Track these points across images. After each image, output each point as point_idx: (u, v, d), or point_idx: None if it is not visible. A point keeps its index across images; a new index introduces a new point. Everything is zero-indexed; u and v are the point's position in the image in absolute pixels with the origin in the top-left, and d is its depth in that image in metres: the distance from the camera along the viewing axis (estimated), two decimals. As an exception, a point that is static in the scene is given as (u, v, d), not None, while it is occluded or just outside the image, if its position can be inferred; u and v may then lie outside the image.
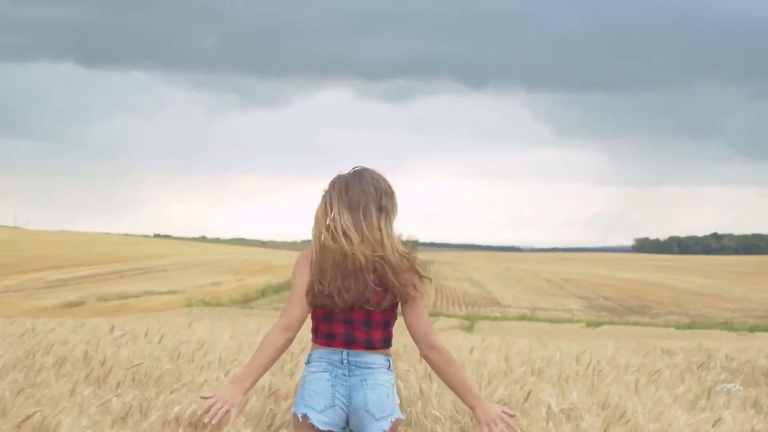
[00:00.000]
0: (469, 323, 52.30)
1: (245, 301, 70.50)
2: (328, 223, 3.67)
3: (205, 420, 3.60)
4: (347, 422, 3.73)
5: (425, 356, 3.79)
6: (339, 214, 3.67)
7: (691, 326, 57.61)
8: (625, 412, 4.09)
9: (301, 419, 3.68)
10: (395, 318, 3.81)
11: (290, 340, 3.80)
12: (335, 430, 3.71)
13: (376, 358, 3.74)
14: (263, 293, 79.02)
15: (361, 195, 3.71)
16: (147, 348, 5.78)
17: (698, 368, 7.37)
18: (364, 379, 3.69)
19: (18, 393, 3.72)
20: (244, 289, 79.91)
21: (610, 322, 60.65)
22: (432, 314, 62.25)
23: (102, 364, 4.58)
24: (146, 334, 6.60)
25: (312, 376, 3.73)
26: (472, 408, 3.73)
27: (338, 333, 3.73)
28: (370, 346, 3.73)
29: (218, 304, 61.92)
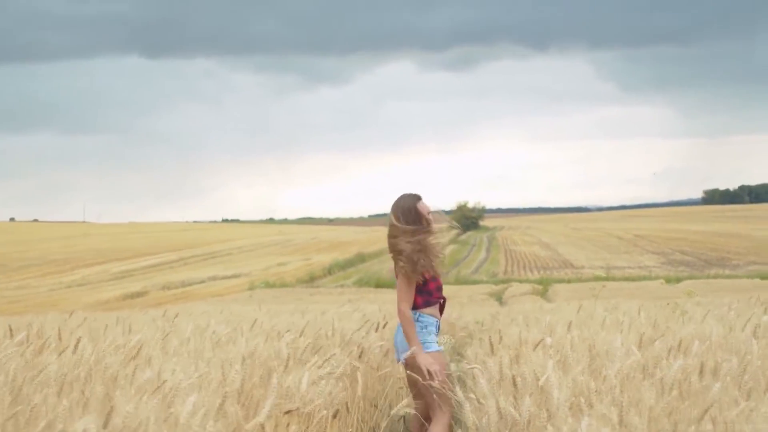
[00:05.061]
0: (543, 287, 50.20)
1: (311, 280, 68.96)
2: None
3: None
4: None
5: None
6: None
7: (776, 275, 54.98)
8: None
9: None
10: (422, 285, 5.82)
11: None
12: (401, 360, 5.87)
13: (410, 312, 5.80)
14: (329, 271, 77.51)
15: (391, 214, 5.90)
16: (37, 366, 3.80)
17: None
18: (398, 327, 5.87)
19: None
20: (310, 268, 78.37)
21: (690, 277, 58.31)
22: (503, 280, 60.47)
23: None
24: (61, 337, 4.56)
25: None
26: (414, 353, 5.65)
27: None
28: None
29: (282, 285, 60.39)
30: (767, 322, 5.29)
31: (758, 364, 3.60)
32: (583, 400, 3.09)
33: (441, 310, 6.02)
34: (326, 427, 4.00)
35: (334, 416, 3.81)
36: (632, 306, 9.59)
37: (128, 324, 6.72)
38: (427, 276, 5.81)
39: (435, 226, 5.91)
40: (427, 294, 5.82)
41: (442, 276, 6.05)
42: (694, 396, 2.92)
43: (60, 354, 4.18)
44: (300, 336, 6.04)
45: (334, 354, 5.41)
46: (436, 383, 5.41)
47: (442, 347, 5.91)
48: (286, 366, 4.23)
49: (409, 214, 5.82)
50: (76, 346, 4.25)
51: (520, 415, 3.12)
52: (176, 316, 7.11)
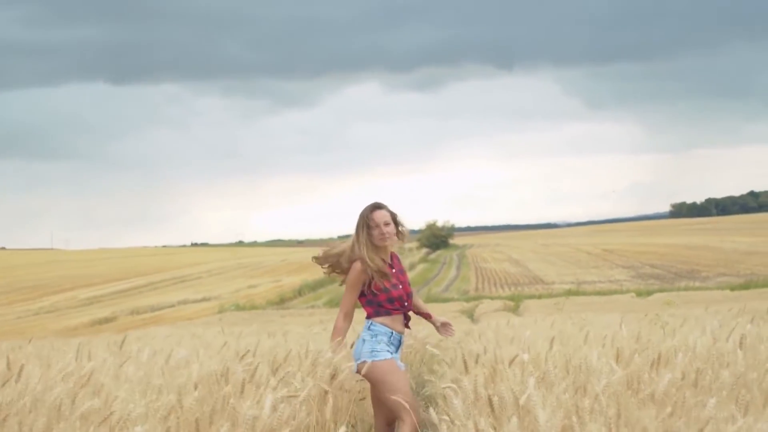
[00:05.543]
0: (515, 303, 50.13)
1: (281, 302, 68.55)
2: None
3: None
4: None
5: None
6: None
7: (746, 286, 55.16)
8: None
9: None
10: (371, 296, 6.01)
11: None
12: None
13: (365, 322, 6.04)
14: (300, 292, 77.08)
15: None
16: None
17: None
18: (358, 339, 6.01)
19: None
20: (281, 290, 78.00)
21: (661, 290, 58.42)
22: (474, 297, 60.24)
23: None
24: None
25: None
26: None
27: None
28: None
29: (253, 308, 59.97)
30: (752, 332, 5.11)
31: (754, 377, 3.40)
32: (575, 419, 2.86)
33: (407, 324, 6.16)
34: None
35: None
36: (612, 319, 9.42)
37: (86, 350, 6.47)
38: (375, 288, 5.94)
39: (386, 236, 5.95)
40: (376, 305, 5.97)
41: (406, 291, 6.09)
42: (688, 412, 2.71)
43: (3, 384, 3.94)
44: (253, 357, 5.80)
45: (289, 372, 5.19)
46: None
47: (394, 356, 5.90)
48: (242, 390, 3.99)
49: (359, 219, 6.03)
50: (19, 374, 4.01)
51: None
52: (124, 339, 6.87)
